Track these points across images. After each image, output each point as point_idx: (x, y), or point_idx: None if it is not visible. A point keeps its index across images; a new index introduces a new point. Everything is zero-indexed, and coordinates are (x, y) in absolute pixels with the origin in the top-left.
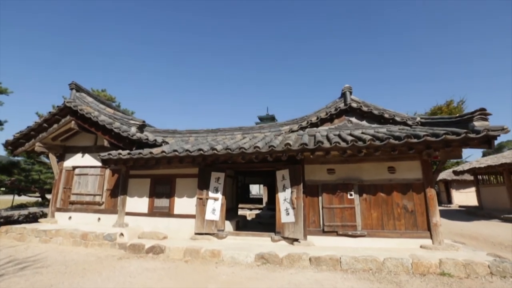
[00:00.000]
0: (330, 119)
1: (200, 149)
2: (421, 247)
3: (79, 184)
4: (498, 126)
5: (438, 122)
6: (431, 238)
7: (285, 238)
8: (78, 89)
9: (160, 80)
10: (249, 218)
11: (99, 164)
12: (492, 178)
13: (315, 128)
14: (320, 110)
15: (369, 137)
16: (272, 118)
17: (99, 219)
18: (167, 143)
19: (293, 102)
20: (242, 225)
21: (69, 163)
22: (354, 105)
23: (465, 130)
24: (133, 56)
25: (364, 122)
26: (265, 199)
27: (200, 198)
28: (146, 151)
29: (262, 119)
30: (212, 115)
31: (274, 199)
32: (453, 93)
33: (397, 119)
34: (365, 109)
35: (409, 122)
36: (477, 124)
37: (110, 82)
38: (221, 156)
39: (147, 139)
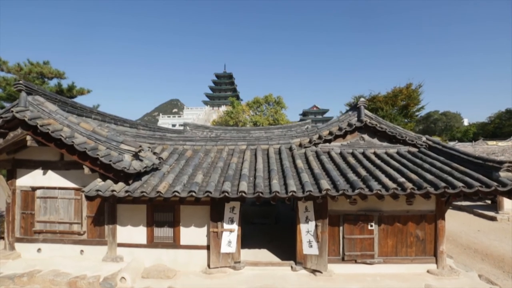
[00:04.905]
0: (343, 135)
1: (224, 191)
2: (427, 271)
3: (46, 210)
4: None
5: (452, 154)
6: (436, 263)
7: (306, 268)
8: (30, 91)
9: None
10: None
11: (73, 185)
12: None
13: (327, 144)
14: (332, 123)
15: (410, 185)
16: (229, 76)
17: (82, 251)
18: (162, 159)
19: (253, 58)
20: (242, 234)
21: (25, 181)
22: (368, 122)
23: (495, 184)
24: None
25: (375, 140)
26: None
27: (215, 232)
28: (149, 187)
29: (219, 76)
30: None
31: None
32: (412, 76)
33: (407, 139)
34: (379, 128)
35: (418, 144)
36: (503, 175)
37: (54, 51)
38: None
39: (146, 167)
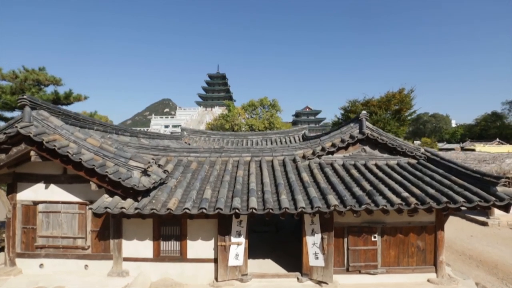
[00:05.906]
0: (345, 147)
1: (235, 208)
2: (428, 280)
3: (49, 224)
4: None
5: (450, 167)
6: (436, 272)
7: (311, 280)
8: (34, 105)
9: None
10: None
11: (76, 199)
12: None
13: (330, 156)
14: (334, 134)
15: (414, 200)
16: (223, 77)
17: (86, 266)
18: (167, 172)
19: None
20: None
21: (26, 195)
22: (370, 135)
23: (493, 198)
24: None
25: (376, 152)
26: None
27: (223, 245)
28: (159, 203)
29: (212, 77)
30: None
31: None
32: (405, 82)
33: (407, 151)
34: (380, 140)
35: (417, 155)
36: (500, 189)
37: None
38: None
39: (154, 182)
